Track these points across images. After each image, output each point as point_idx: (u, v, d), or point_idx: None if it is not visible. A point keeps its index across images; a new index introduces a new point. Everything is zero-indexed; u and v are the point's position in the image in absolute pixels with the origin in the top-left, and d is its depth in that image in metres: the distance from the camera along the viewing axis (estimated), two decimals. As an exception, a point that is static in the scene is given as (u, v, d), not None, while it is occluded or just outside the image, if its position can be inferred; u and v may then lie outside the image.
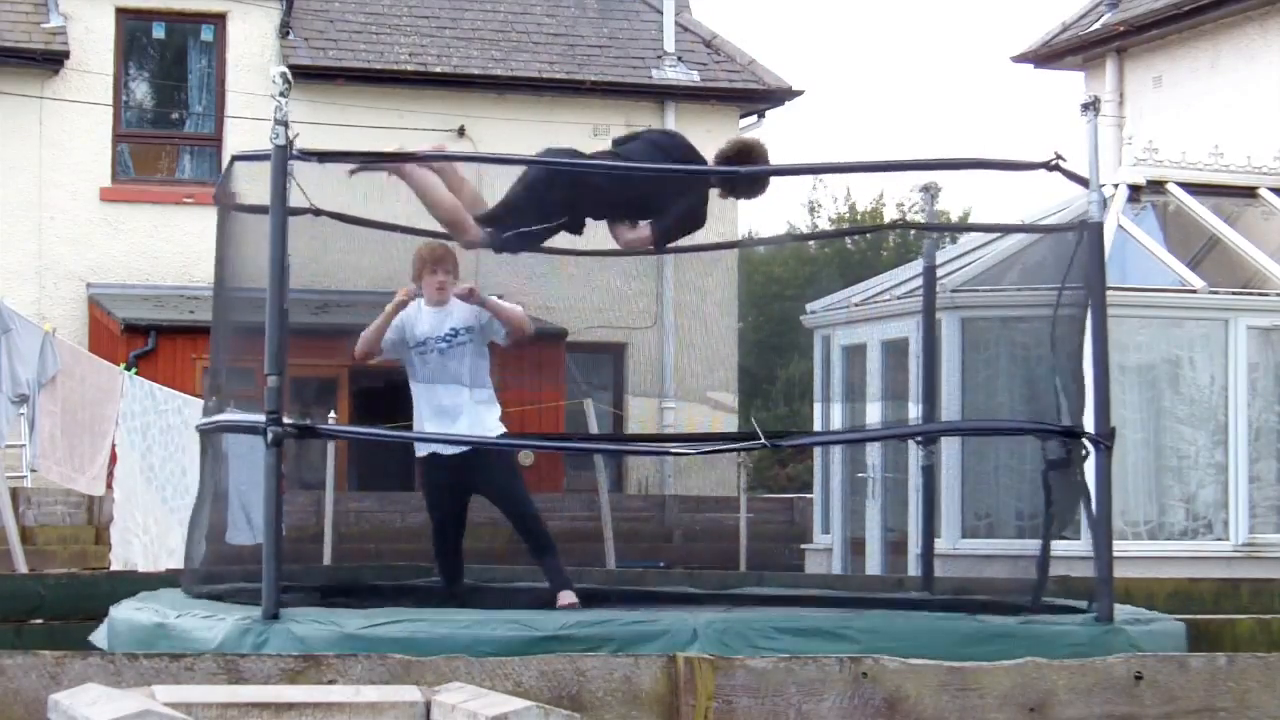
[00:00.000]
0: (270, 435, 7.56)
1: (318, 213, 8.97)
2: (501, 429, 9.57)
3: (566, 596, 9.26)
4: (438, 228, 9.72)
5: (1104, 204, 8.31)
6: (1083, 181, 8.29)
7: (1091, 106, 8.20)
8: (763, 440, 8.28)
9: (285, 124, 7.68)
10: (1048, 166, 8.16)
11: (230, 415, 8.68)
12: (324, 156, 8.14)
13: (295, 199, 8.73)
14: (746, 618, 7.79)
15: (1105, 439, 8.11)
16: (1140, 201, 16.09)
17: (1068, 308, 8.75)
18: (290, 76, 7.80)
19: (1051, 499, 8.59)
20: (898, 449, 14.46)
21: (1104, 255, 8.40)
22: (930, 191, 10.49)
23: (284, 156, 7.71)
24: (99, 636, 8.41)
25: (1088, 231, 8.27)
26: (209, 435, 8.81)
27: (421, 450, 9.58)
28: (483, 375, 9.56)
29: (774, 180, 9.26)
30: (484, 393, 9.55)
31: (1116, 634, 7.70)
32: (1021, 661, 5.07)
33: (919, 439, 10.63)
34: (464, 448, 9.31)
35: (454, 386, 9.48)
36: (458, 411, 9.47)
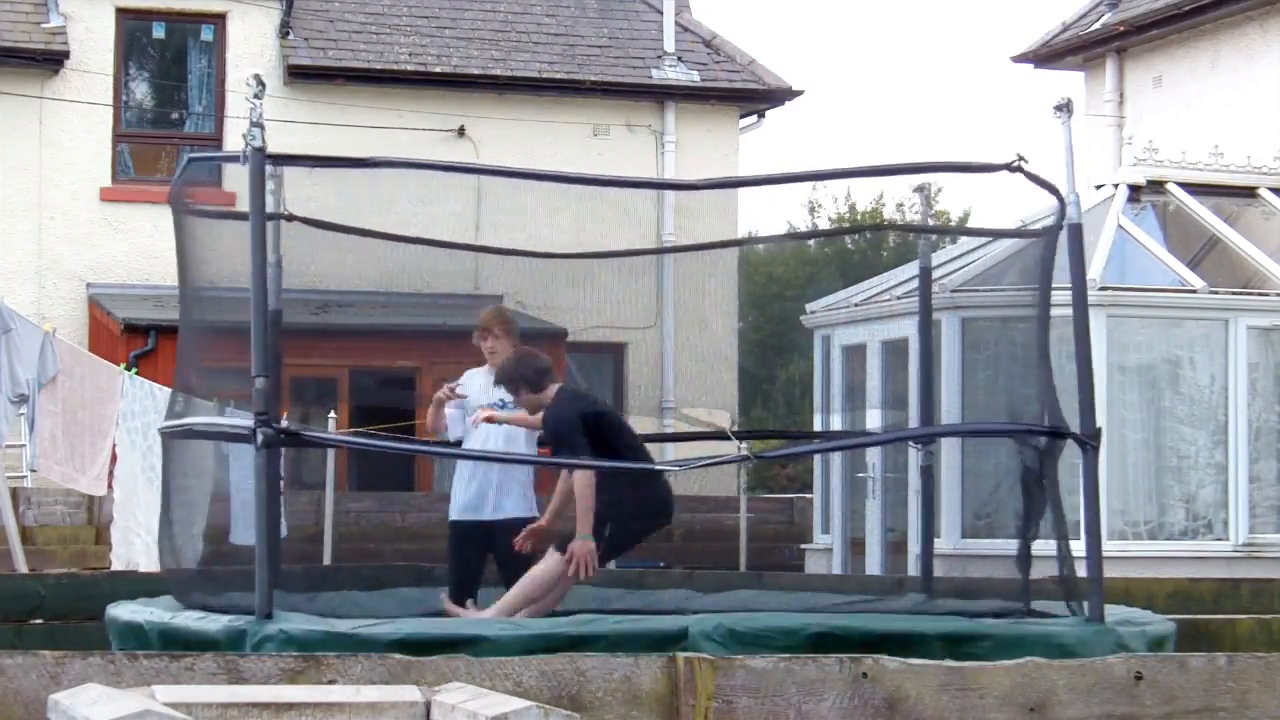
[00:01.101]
0: (260, 438, 7.53)
1: (290, 218, 8.99)
2: (534, 509, 9.66)
3: None
4: (448, 228, 9.80)
5: (1079, 205, 8.35)
6: (1045, 185, 8.33)
7: (1064, 108, 8.24)
8: (747, 453, 8.34)
9: (261, 126, 7.68)
10: (1009, 168, 8.17)
11: (198, 418, 8.67)
12: (278, 160, 8.13)
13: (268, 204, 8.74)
14: (741, 617, 7.80)
15: (1091, 439, 8.11)
16: (1140, 201, 16.09)
17: (1039, 308, 8.81)
18: (264, 79, 7.82)
19: (1032, 500, 8.61)
20: (898, 449, 14.46)
21: (1084, 256, 8.42)
22: (925, 193, 10.51)
23: (262, 159, 7.71)
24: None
25: (1067, 232, 8.29)
26: (173, 438, 8.79)
27: (453, 514, 9.73)
28: (525, 444, 9.62)
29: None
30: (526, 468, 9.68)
31: (1107, 635, 7.71)
32: (1021, 661, 5.08)
33: (914, 442, 10.65)
34: (489, 515, 9.52)
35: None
36: (493, 476, 9.58)
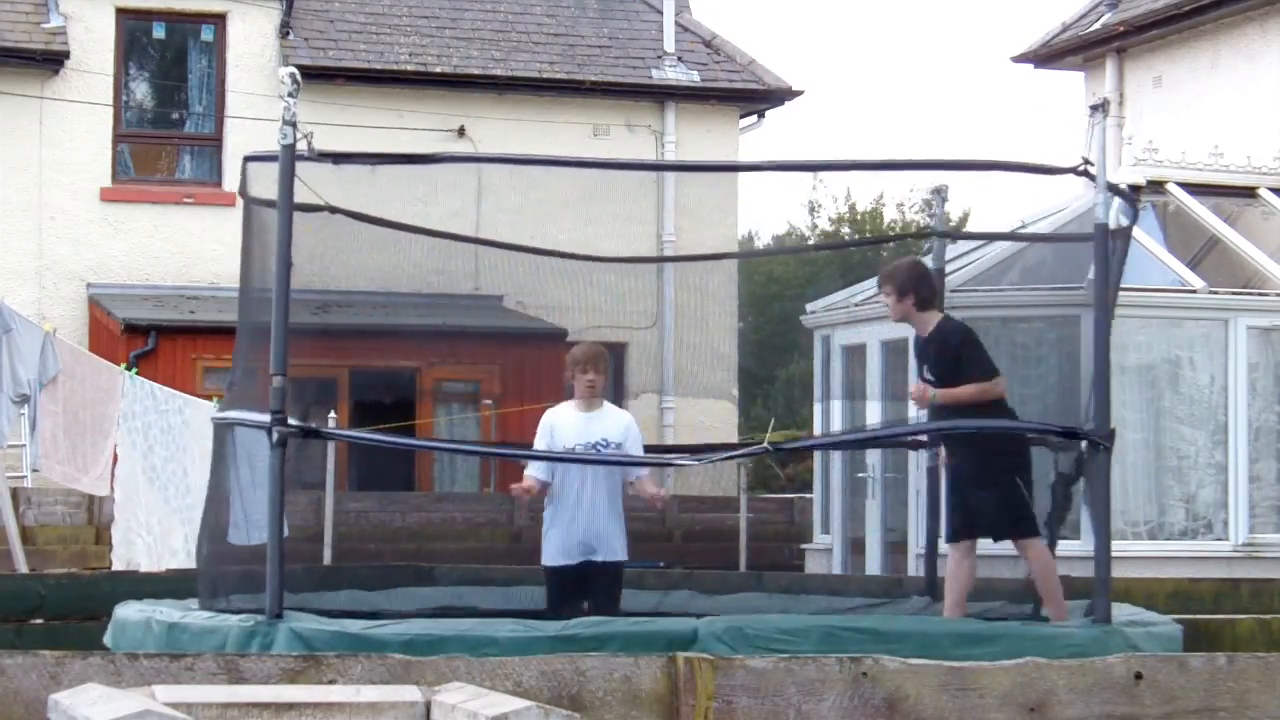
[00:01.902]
0: (275, 435, 7.53)
1: (333, 210, 8.98)
2: (624, 551, 9.53)
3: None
4: (448, 228, 9.73)
5: (1109, 206, 8.32)
6: (1116, 190, 8.33)
7: (1101, 109, 8.21)
8: (765, 445, 8.30)
9: (294, 125, 7.65)
10: (1077, 171, 8.19)
11: (237, 413, 8.66)
12: (339, 158, 8.10)
13: (306, 198, 8.73)
14: (748, 618, 7.80)
15: (1105, 439, 8.12)
16: (1140, 202, 16.08)
17: (1101, 311, 8.79)
18: (299, 77, 7.77)
19: (1054, 501, 8.62)
20: (897, 450, 14.44)
21: (1108, 256, 8.40)
22: (941, 194, 10.50)
23: (291, 157, 7.69)
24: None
25: (1096, 233, 8.28)
26: (220, 431, 8.79)
27: (548, 560, 9.48)
28: (619, 488, 9.53)
29: (774, 178, 9.28)
30: (619, 506, 9.53)
31: (1114, 636, 7.70)
32: (1021, 661, 5.07)
33: (922, 440, 10.62)
34: (583, 557, 9.26)
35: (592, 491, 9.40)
36: (594, 515, 9.39)
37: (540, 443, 9.63)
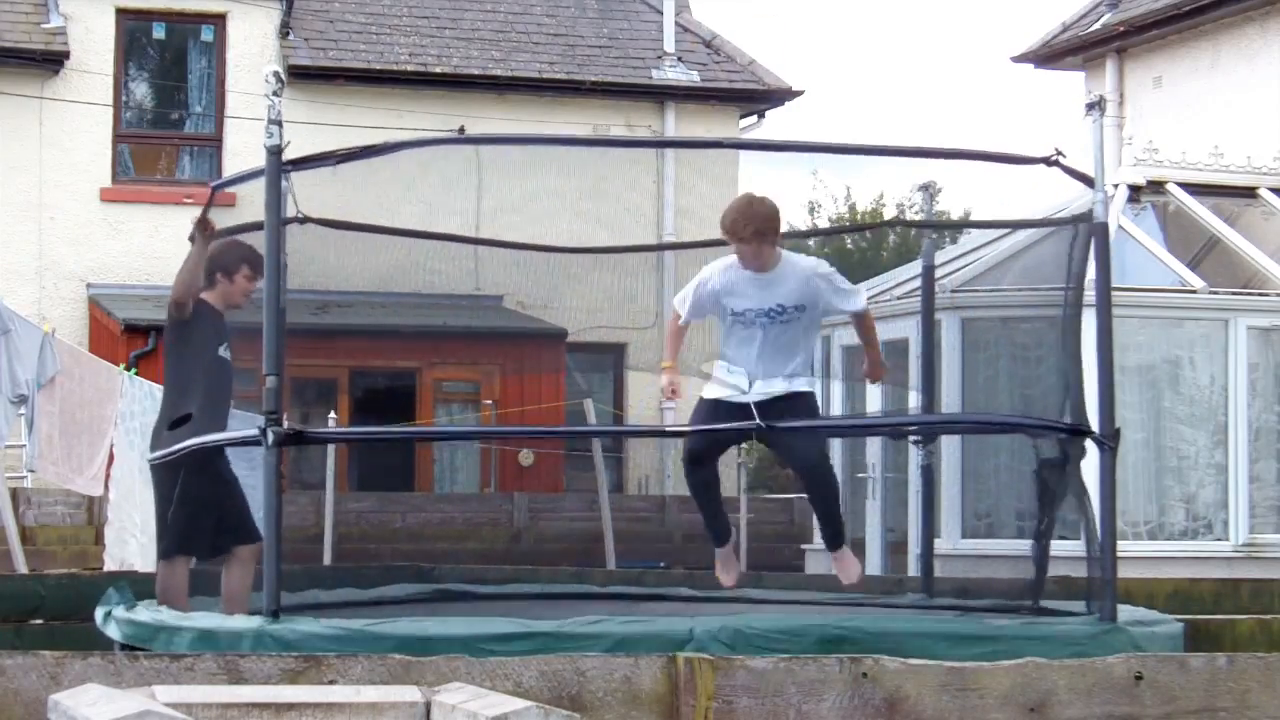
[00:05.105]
0: (270, 437, 7.54)
1: (305, 220, 8.98)
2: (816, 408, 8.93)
3: (847, 562, 8.85)
4: (434, 228, 9.68)
5: (1106, 203, 8.32)
6: (1082, 177, 8.31)
7: (1097, 106, 8.19)
8: (757, 422, 8.25)
9: (279, 124, 7.65)
10: (1047, 161, 8.16)
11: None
12: (298, 163, 8.08)
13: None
14: (746, 618, 7.79)
15: (1109, 439, 8.12)
16: (1140, 201, 16.08)
17: (1069, 306, 8.77)
18: (283, 76, 7.77)
19: (1049, 498, 8.61)
20: (897, 449, 14.45)
21: (1109, 254, 8.40)
22: (929, 191, 10.51)
23: (278, 158, 7.68)
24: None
25: (1093, 231, 8.28)
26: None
27: (710, 394, 8.77)
28: (804, 356, 8.74)
29: (773, 179, 9.26)
30: (801, 372, 8.71)
31: (1118, 635, 7.70)
32: (1021, 661, 5.07)
33: (917, 436, 10.64)
34: (764, 396, 8.57)
35: (768, 363, 8.65)
36: (769, 384, 8.64)
37: (700, 298, 8.91)
